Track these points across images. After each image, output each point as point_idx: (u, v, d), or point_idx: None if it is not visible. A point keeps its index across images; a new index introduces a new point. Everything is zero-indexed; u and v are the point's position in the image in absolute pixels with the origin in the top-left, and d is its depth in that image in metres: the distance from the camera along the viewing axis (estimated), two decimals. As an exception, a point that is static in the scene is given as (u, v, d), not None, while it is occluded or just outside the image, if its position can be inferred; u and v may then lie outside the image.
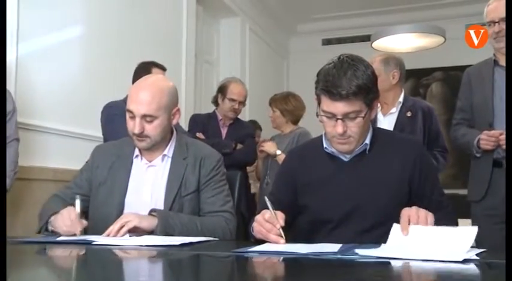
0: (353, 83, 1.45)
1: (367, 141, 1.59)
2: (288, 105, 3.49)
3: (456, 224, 1.55)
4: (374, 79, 1.52)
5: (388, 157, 1.59)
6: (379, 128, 1.74)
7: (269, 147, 3.39)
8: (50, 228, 1.66)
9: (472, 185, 2.46)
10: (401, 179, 1.56)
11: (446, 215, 1.55)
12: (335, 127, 1.50)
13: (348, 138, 1.52)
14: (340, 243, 1.35)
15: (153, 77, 1.93)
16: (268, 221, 1.41)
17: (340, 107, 1.47)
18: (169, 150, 1.81)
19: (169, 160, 1.80)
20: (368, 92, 1.48)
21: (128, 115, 1.72)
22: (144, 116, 1.69)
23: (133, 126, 1.70)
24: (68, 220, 1.59)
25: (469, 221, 2.36)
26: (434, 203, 1.56)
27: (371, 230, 1.53)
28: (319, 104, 1.54)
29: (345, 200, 1.57)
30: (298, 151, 1.78)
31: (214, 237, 1.65)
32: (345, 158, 1.61)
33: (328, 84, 1.47)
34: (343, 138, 1.52)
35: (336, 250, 1.25)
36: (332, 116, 1.50)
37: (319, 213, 1.57)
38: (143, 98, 1.68)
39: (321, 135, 1.66)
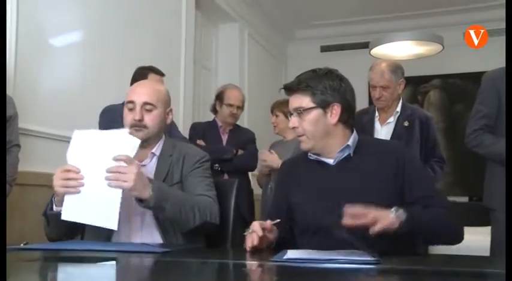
0: (301, 77, 1.61)
1: (349, 143, 1.61)
2: None
3: (443, 220, 1.53)
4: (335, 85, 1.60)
5: (372, 160, 1.61)
6: (364, 137, 1.77)
7: (273, 160, 3.27)
8: (55, 208, 1.64)
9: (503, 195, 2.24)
10: (386, 180, 1.57)
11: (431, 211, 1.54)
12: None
13: (302, 136, 1.62)
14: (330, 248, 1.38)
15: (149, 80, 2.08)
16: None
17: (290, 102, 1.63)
18: (157, 149, 1.86)
19: (156, 157, 1.85)
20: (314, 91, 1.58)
21: (126, 109, 1.79)
22: (144, 104, 1.77)
23: (132, 116, 1.77)
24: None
25: (489, 228, 2.30)
26: (421, 201, 1.55)
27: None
28: None
29: (333, 205, 1.52)
30: (289, 162, 1.85)
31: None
32: (331, 162, 1.64)
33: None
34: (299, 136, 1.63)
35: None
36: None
37: (310, 219, 1.58)
38: (144, 89, 1.83)
39: None
